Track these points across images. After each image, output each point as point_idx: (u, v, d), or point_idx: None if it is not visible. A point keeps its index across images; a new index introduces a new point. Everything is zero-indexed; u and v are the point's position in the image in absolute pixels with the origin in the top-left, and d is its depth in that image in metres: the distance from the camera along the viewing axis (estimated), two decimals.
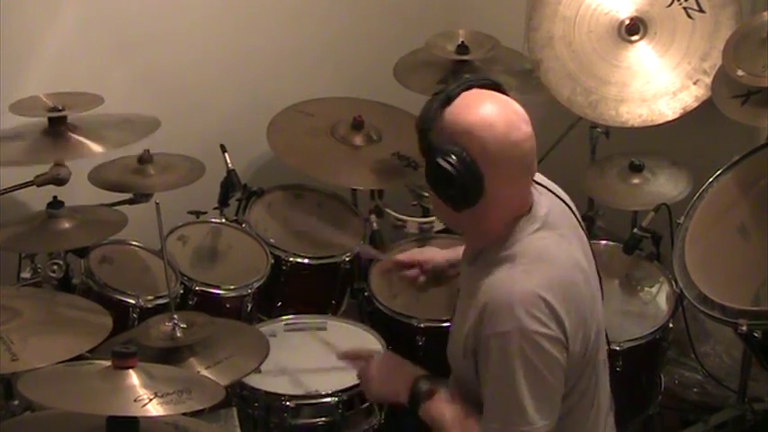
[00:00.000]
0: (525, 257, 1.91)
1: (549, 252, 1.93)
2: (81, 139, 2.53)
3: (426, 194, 3.04)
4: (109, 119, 2.68)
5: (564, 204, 2.06)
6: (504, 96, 1.94)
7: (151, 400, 1.66)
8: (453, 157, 1.84)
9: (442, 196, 1.91)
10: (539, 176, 2.03)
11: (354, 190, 3.29)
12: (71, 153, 2.53)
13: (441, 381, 2.09)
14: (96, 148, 2.53)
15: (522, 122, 1.89)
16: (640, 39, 3.17)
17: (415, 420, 2.06)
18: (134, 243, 2.85)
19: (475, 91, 1.91)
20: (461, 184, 1.85)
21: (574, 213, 2.09)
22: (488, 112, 1.87)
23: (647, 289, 2.93)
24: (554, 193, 2.06)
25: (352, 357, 2.34)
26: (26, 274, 2.61)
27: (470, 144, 1.84)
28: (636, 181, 3.10)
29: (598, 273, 2.07)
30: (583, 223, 2.11)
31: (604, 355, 2.09)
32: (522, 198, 1.96)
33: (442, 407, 2.01)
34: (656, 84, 3.13)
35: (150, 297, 2.66)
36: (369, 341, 2.73)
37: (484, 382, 1.91)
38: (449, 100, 1.89)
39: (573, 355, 1.90)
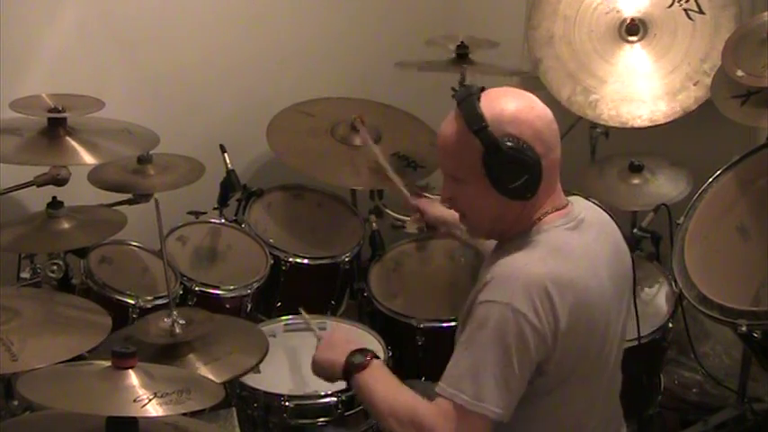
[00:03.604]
0: (547, 247, 1.91)
1: (571, 250, 1.92)
2: (76, 145, 2.52)
3: (426, 194, 3.04)
4: (108, 126, 2.67)
5: (610, 219, 2.06)
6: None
7: (151, 400, 1.66)
8: (516, 143, 1.85)
9: (508, 190, 1.88)
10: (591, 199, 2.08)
11: (354, 190, 3.29)
12: (64, 158, 2.51)
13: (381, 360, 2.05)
14: (89, 158, 2.52)
15: (543, 103, 1.95)
16: (640, 39, 3.18)
17: None
18: (134, 243, 2.85)
19: (490, 90, 1.94)
20: (528, 169, 1.86)
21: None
22: (520, 98, 1.92)
23: (646, 289, 2.93)
24: (603, 210, 2.07)
25: None
26: (26, 275, 2.61)
27: (523, 128, 1.87)
28: (636, 181, 3.11)
29: (635, 300, 2.08)
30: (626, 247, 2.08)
31: (610, 373, 2.04)
32: (558, 188, 1.97)
33: (374, 380, 1.97)
34: (656, 84, 3.13)
35: (150, 297, 2.66)
36: (369, 341, 2.73)
37: (456, 345, 1.88)
38: (478, 99, 1.90)
39: (564, 356, 1.87)
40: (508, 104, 1.89)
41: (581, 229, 1.95)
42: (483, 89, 1.93)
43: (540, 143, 1.87)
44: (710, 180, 2.67)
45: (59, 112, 2.55)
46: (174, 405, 1.68)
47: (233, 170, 3.09)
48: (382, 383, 1.96)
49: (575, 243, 1.93)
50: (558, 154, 1.93)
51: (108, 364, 1.73)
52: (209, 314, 2.40)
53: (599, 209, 2.07)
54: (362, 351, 2.02)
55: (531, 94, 1.95)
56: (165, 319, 2.31)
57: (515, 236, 1.96)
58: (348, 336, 2.23)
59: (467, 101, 1.89)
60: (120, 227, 2.60)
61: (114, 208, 2.77)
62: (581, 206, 2.02)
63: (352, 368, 1.99)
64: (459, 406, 1.82)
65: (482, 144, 1.86)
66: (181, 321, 2.30)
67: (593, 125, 3.26)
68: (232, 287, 2.84)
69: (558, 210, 1.95)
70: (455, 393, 1.82)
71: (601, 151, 3.32)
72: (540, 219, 1.94)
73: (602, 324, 1.93)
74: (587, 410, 2.00)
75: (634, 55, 3.17)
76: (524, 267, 1.86)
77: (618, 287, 2.00)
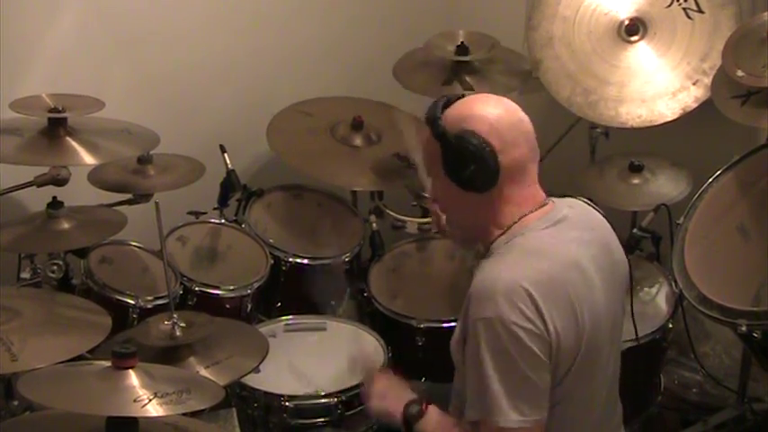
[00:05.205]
0: (520, 250, 1.93)
1: (546, 248, 1.93)
2: (76, 145, 2.52)
3: (426, 194, 3.04)
4: (109, 126, 2.67)
5: (603, 220, 2.07)
6: None
7: (151, 400, 1.66)
8: (466, 135, 1.90)
9: (461, 179, 1.93)
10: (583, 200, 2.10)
11: (354, 190, 3.29)
12: (64, 158, 2.52)
13: (431, 400, 2.09)
14: (89, 158, 2.53)
15: (520, 109, 1.98)
16: (640, 39, 3.17)
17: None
18: (134, 243, 2.85)
19: (468, 96, 2.01)
20: (480, 159, 1.89)
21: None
22: (489, 101, 1.97)
23: (646, 289, 2.93)
24: (598, 212, 2.09)
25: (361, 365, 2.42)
26: (26, 275, 2.62)
27: (479, 123, 1.91)
28: (636, 181, 3.11)
29: (631, 293, 2.11)
30: (619, 248, 2.08)
31: (605, 368, 2.04)
32: (533, 186, 1.99)
33: (434, 425, 2.03)
34: (656, 84, 3.13)
35: (150, 297, 2.66)
36: (368, 341, 2.73)
37: (466, 366, 1.91)
38: (449, 102, 1.97)
39: (560, 355, 1.88)
40: (472, 105, 1.96)
41: (559, 228, 1.96)
42: (463, 96, 2.00)
43: (496, 138, 1.90)
44: (710, 180, 2.66)
45: (59, 112, 2.55)
46: (174, 405, 1.68)
47: (233, 170, 3.09)
48: (441, 427, 2.02)
49: (551, 241, 1.94)
50: (525, 153, 1.94)
51: (108, 364, 1.74)
52: (210, 317, 2.40)
53: (593, 210, 2.08)
54: (416, 401, 2.07)
55: (508, 101, 1.98)
56: (166, 322, 2.31)
57: (497, 240, 1.97)
58: (391, 383, 2.23)
59: (436, 102, 1.98)
60: (120, 227, 2.61)
61: (114, 208, 2.77)
62: (565, 206, 2.02)
63: (411, 419, 2.04)
64: (500, 428, 1.84)
65: (433, 134, 1.94)
66: (181, 324, 2.30)
67: (593, 125, 3.26)
68: (232, 287, 2.84)
69: (533, 212, 1.97)
70: (487, 419, 1.85)
71: (601, 151, 3.32)
72: (516, 222, 1.96)
73: (592, 317, 1.92)
74: (585, 410, 2.01)
75: (638, 54, 3.16)
76: (500, 275, 1.88)
77: (609, 285, 1.99)
